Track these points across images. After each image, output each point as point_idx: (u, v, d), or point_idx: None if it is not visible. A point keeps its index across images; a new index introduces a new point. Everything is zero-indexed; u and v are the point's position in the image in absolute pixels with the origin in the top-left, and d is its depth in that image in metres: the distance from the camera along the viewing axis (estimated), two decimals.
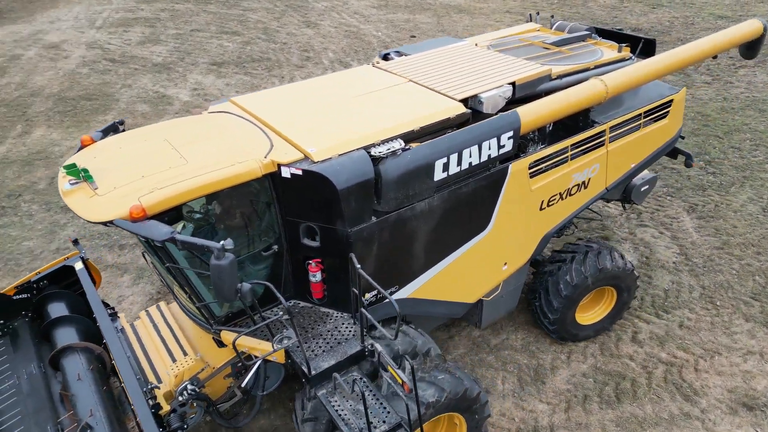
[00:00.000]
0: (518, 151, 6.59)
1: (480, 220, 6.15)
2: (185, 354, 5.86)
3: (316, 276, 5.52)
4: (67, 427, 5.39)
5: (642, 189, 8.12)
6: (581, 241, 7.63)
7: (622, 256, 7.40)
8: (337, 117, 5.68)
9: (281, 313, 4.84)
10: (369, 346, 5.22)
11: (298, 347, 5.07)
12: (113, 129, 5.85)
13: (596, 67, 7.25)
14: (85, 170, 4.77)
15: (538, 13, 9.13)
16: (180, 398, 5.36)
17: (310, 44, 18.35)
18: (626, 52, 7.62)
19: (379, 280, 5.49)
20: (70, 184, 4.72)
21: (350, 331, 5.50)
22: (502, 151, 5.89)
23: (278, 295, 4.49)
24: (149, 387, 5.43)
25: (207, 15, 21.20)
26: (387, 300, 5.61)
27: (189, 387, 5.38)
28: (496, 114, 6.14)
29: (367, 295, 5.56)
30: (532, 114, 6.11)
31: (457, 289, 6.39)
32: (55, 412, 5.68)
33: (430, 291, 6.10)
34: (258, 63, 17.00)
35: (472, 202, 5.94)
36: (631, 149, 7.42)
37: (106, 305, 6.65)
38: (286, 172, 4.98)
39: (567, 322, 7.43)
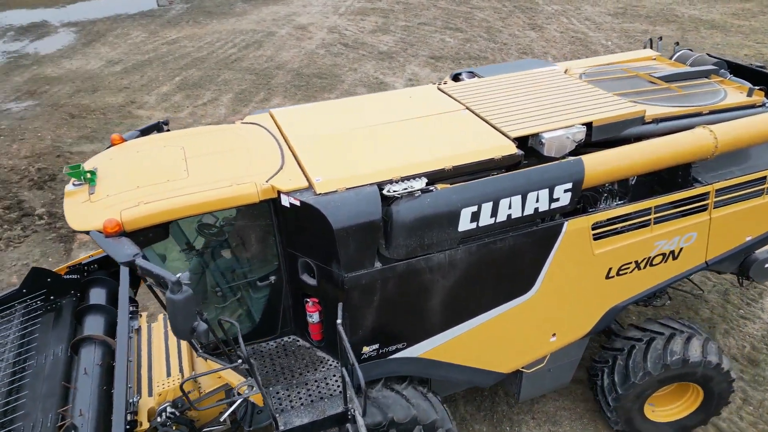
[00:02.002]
0: (584, 204, 5.48)
1: (521, 281, 5.18)
2: (180, 371, 5.61)
3: (313, 317, 4.96)
4: (60, 420, 5.38)
5: (766, 266, 6.49)
6: (670, 320, 6.23)
7: (719, 351, 5.92)
8: (364, 143, 5.06)
9: (240, 361, 4.34)
10: (352, 411, 4.55)
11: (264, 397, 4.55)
12: (156, 128, 5.76)
13: (712, 112, 5.85)
14: (92, 173, 4.64)
15: (660, 38, 7.70)
16: (158, 419, 5.10)
17: (531, 47, 18.05)
18: (759, 96, 6.09)
19: (381, 334, 4.83)
20: (74, 185, 4.63)
21: (339, 386, 4.86)
22: (555, 205, 4.88)
23: (241, 343, 4.00)
24: (135, 399, 5.24)
25: (436, 10, 21.96)
26: (391, 356, 4.91)
27: (169, 409, 5.09)
28: (561, 159, 5.13)
29: (366, 349, 4.89)
30: (601, 164, 5.01)
31: (485, 356, 5.47)
32: (62, 400, 5.72)
33: (449, 353, 5.26)
34: (474, 61, 17.14)
35: (510, 260, 5.00)
36: (747, 218, 5.91)
37: (133, 301, 6.66)
38: (285, 201, 4.47)
39: (632, 413, 6.12)
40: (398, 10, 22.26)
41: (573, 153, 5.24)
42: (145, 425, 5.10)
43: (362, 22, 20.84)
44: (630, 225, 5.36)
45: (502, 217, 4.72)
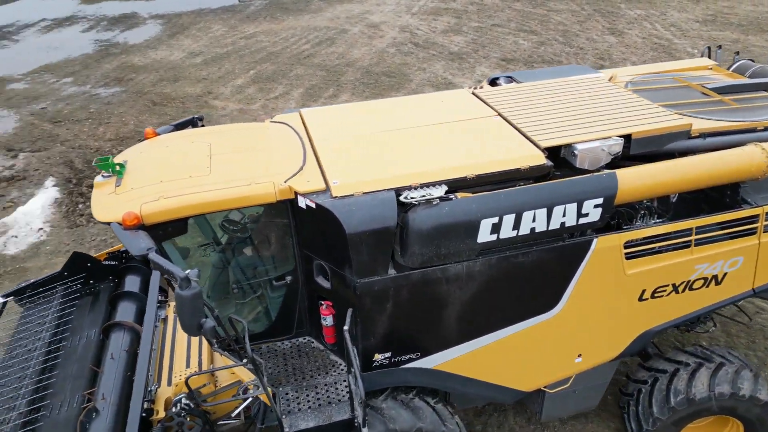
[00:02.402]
0: (619, 220, 5.19)
1: (544, 298, 4.95)
2: (199, 363, 5.70)
3: (327, 320, 4.92)
4: (85, 402, 5.57)
5: None
6: (711, 348, 5.83)
7: (755, 380, 5.48)
8: (388, 147, 4.96)
9: (245, 360, 4.34)
10: (358, 419, 4.48)
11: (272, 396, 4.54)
12: (191, 124, 5.87)
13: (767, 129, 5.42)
14: (122, 165, 4.77)
15: (719, 47, 7.20)
16: (173, 409, 5.19)
17: (609, 53, 17.49)
18: None
19: (393, 342, 4.73)
20: (103, 176, 4.76)
21: (348, 392, 4.80)
22: (583, 220, 4.63)
23: (246, 343, 4.00)
24: (154, 388, 5.36)
25: (511, 12, 21.55)
26: (403, 366, 4.81)
27: (183, 400, 5.17)
28: (595, 171, 4.87)
29: (378, 356, 4.80)
30: (637, 180, 4.73)
31: (503, 373, 5.27)
32: (90, 383, 5.93)
33: (465, 367, 5.10)
34: (547, 65, 16.96)
35: (533, 276, 4.79)
36: None
37: (163, 291, 6.82)
38: (302, 202, 4.44)
39: None
40: (472, 11, 21.93)
41: (610, 166, 4.97)
42: (162, 414, 5.20)
43: (434, 22, 20.63)
44: (667, 245, 5.03)
45: (525, 230, 4.52)
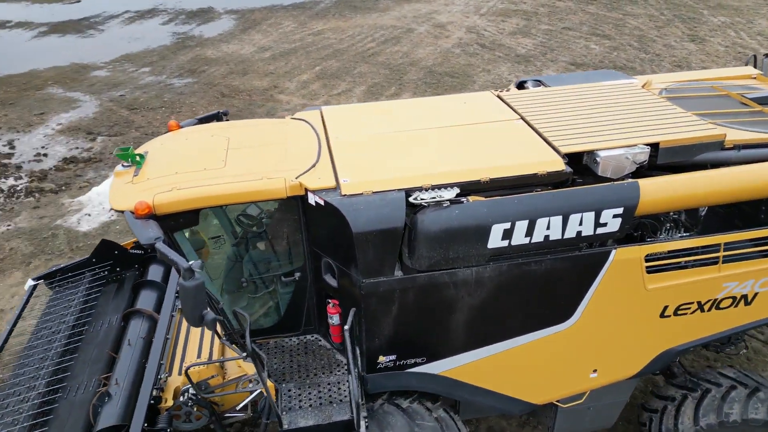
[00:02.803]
0: (641, 232, 4.97)
1: (558, 309, 4.78)
2: (210, 354, 5.75)
3: (333, 318, 4.88)
4: (100, 386, 5.71)
5: None
6: (747, 371, 5.52)
7: None
8: (403, 147, 4.89)
9: (245, 354, 4.33)
10: (359, 420, 4.42)
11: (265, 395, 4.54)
12: (216, 118, 5.95)
13: None
14: (142, 156, 4.85)
15: (766, 56, 6.83)
16: (181, 398, 5.25)
17: (687, 61, 17.04)
18: None
19: (399, 345, 4.67)
20: (123, 166, 4.86)
21: (345, 391, 4.75)
22: (601, 230, 4.45)
23: (247, 337, 4.00)
24: (164, 376, 5.44)
25: (584, 15, 21.25)
26: (408, 370, 4.74)
27: (191, 390, 5.23)
28: (619, 180, 4.68)
29: (382, 358, 4.73)
30: (661, 191, 4.51)
31: (513, 383, 5.12)
32: (107, 367, 6.07)
33: (473, 375, 4.98)
34: (620, 71, 16.55)
35: (547, 285, 4.63)
36: None
37: None
38: (312, 199, 4.42)
39: None
40: (543, 13, 21.60)
41: (638, 176, 4.76)
42: (170, 402, 5.27)
43: (503, 24, 20.46)
44: (692, 261, 4.79)
45: (538, 237, 4.37)
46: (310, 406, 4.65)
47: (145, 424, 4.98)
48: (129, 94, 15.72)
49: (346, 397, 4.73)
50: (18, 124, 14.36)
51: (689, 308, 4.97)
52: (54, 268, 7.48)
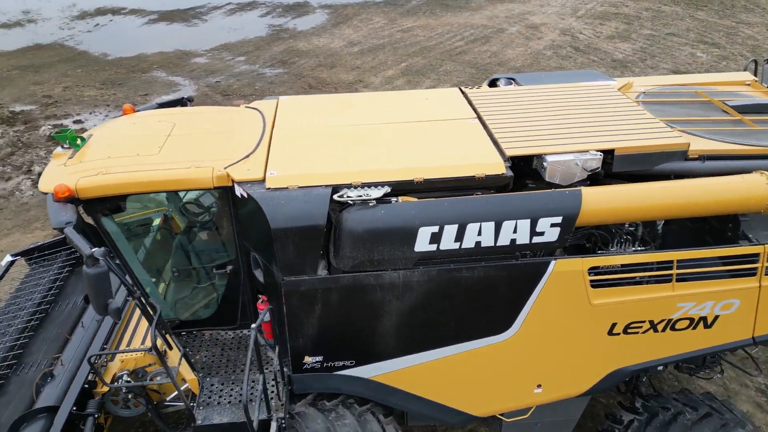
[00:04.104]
0: (595, 243, 4.69)
1: (495, 319, 4.55)
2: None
3: (264, 314, 4.76)
4: (48, 366, 5.76)
5: None
6: (688, 396, 5.20)
7: None
8: (345, 142, 4.73)
9: (149, 347, 4.22)
10: (276, 420, 4.31)
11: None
12: (180, 103, 5.89)
13: None
14: (82, 139, 4.82)
15: (767, 61, 6.35)
16: (114, 384, 5.23)
17: None
18: None
19: (325, 347, 4.53)
20: (62, 147, 4.83)
21: (274, 391, 4.63)
22: (538, 239, 4.20)
23: (152, 328, 3.92)
24: (104, 360, 5.43)
25: (692, 21, 19.80)
26: (337, 372, 4.60)
27: (125, 377, 5.20)
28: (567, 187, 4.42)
29: (308, 359, 4.59)
30: (606, 201, 4.23)
31: (451, 393, 4.91)
32: (61, 347, 6.12)
33: (407, 382, 4.80)
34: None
35: (481, 294, 4.41)
36: None
37: None
38: (237, 191, 4.30)
39: None
40: (646, 17, 20.24)
41: (596, 185, 4.49)
42: (105, 388, 5.26)
43: (601, 27, 19.33)
44: (642, 277, 4.48)
45: (469, 243, 4.15)
46: (230, 402, 4.56)
47: (75, 408, 4.99)
48: (224, 81, 16.22)
49: (269, 395, 4.61)
50: (124, 103, 15.01)
51: (640, 327, 4.67)
52: (33, 246, 7.60)
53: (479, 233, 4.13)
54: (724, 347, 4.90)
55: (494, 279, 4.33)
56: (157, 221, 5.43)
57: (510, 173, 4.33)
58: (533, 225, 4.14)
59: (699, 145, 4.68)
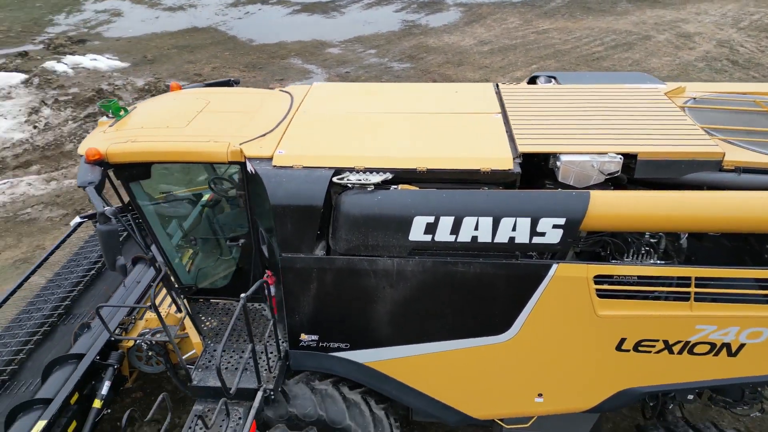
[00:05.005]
0: (610, 251, 4.44)
1: (493, 319, 4.43)
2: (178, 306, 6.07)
3: (271, 289, 4.92)
4: (89, 318, 6.28)
5: None
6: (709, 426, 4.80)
7: None
8: (360, 128, 4.77)
9: (149, 305, 4.45)
10: (264, 391, 4.46)
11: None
12: (227, 84, 6.21)
13: None
14: (125, 109, 5.21)
15: None
16: (137, 341, 5.61)
17: None
18: None
19: (320, 326, 4.63)
20: (107, 117, 5.24)
21: (272, 362, 4.78)
22: (538, 240, 4.04)
23: (152, 291, 4.19)
24: (134, 318, 5.84)
25: None
26: (332, 353, 4.69)
27: (158, 336, 5.55)
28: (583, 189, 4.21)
29: (304, 337, 4.70)
30: (615, 206, 3.99)
31: (448, 390, 4.84)
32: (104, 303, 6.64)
33: (402, 373, 4.78)
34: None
35: (478, 291, 4.31)
36: None
37: None
38: (249, 167, 4.48)
39: None
40: None
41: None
42: (131, 343, 5.67)
43: (766, 41, 17.56)
44: (656, 292, 4.18)
45: (465, 237, 4.07)
46: (226, 368, 4.75)
47: (98, 357, 5.41)
48: (353, 72, 16.76)
49: (262, 366, 4.76)
50: (261, 85, 16.32)
51: (653, 346, 4.36)
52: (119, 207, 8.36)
53: (476, 228, 4.03)
54: (751, 380, 4.47)
55: (492, 277, 4.21)
56: (206, 197, 5.76)
57: (518, 170, 4.18)
58: (534, 224, 3.98)
59: (738, 156, 4.28)
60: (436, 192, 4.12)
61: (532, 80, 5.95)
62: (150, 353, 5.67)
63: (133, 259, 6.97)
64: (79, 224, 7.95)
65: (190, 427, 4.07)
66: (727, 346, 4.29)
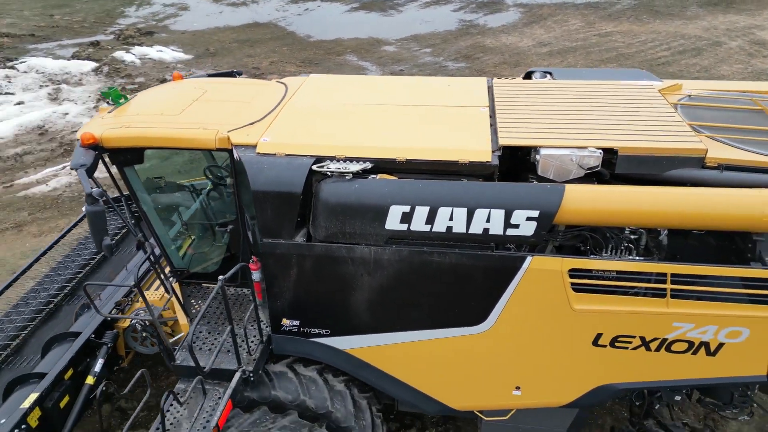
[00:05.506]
0: (582, 246, 4.44)
1: (469, 309, 4.47)
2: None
3: (255, 275, 5.04)
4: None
5: None
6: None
7: None
8: (347, 119, 4.85)
9: (132, 284, 4.59)
10: (243, 372, 4.59)
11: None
12: (230, 75, 6.36)
13: None
14: (125, 97, 5.39)
15: None
16: (132, 321, 5.79)
17: None
18: None
19: (301, 312, 4.73)
20: (107, 104, 5.43)
21: (253, 346, 4.90)
22: (512, 232, 4.06)
23: (137, 271, 4.34)
24: (130, 298, 6.04)
25: None
26: (312, 339, 4.79)
27: (141, 315, 5.74)
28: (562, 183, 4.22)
29: (286, 321, 4.80)
30: (590, 201, 4.00)
31: (426, 379, 4.89)
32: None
33: (381, 360, 4.85)
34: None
35: (454, 281, 4.35)
36: None
37: None
38: (236, 153, 4.60)
39: None
40: None
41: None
42: (126, 323, 5.86)
43: None
44: (632, 288, 4.17)
45: (440, 227, 4.12)
46: (210, 349, 4.88)
47: (93, 336, 5.61)
48: (407, 71, 16.75)
49: (243, 348, 4.88)
50: None
51: (630, 342, 4.34)
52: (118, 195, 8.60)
53: (451, 218, 4.07)
54: (731, 381, 4.42)
55: (467, 268, 4.25)
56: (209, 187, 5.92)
57: (495, 162, 4.21)
58: (508, 216, 4.01)
59: (722, 153, 4.24)
60: (412, 182, 4.17)
61: (528, 76, 5.94)
62: (144, 334, 5.85)
63: (137, 244, 7.18)
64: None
65: (164, 403, 4.21)
66: (706, 345, 4.25)
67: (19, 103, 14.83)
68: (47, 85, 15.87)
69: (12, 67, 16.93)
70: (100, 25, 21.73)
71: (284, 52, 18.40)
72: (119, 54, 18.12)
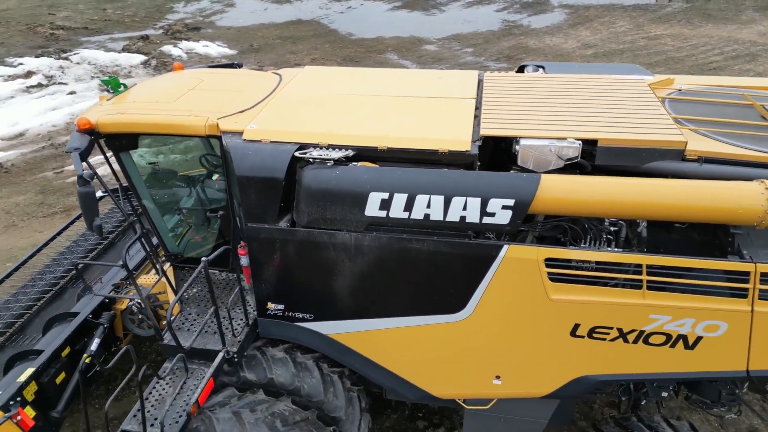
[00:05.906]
0: (562, 236, 4.47)
1: (448, 297, 4.53)
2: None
3: (243, 259, 5.16)
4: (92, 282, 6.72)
5: None
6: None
7: None
8: (335, 108, 4.96)
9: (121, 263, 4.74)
10: (226, 353, 4.73)
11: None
12: (230, 67, 6.52)
13: None
14: (124, 85, 5.57)
15: None
16: (129, 303, 5.97)
17: None
18: None
19: (285, 296, 4.85)
20: (107, 92, 5.62)
21: (238, 328, 5.03)
22: (488, 220, 4.11)
23: (125, 253, 4.52)
24: (128, 281, 6.22)
25: None
26: (297, 323, 4.91)
27: (137, 298, 5.91)
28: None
29: (271, 305, 4.92)
30: (565, 191, 4.03)
31: (407, 366, 4.96)
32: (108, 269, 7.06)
33: (364, 346, 4.94)
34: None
35: (432, 268, 4.42)
36: None
37: None
38: (224, 140, 4.73)
39: None
40: None
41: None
42: (124, 305, 6.05)
43: None
44: (607, 278, 4.18)
45: (418, 214, 4.19)
46: (197, 331, 5.02)
47: (90, 316, 5.81)
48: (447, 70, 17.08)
49: (228, 330, 5.01)
50: None
51: (608, 334, 4.36)
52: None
53: (428, 206, 4.14)
54: (711, 375, 4.41)
55: (445, 256, 4.31)
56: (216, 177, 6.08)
57: (475, 152, 4.27)
58: (484, 205, 4.06)
59: (703, 146, 4.23)
60: (391, 169, 4.25)
61: (521, 69, 5.97)
62: (140, 316, 6.03)
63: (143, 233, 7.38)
64: (100, 198, 8.45)
65: (140, 376, 4.34)
66: (684, 338, 4.24)
67: (71, 93, 15.54)
68: (98, 77, 16.47)
69: (66, 59, 17.60)
70: (149, 20, 22.40)
71: (326, 50, 18.60)
72: (167, 48, 18.68)
